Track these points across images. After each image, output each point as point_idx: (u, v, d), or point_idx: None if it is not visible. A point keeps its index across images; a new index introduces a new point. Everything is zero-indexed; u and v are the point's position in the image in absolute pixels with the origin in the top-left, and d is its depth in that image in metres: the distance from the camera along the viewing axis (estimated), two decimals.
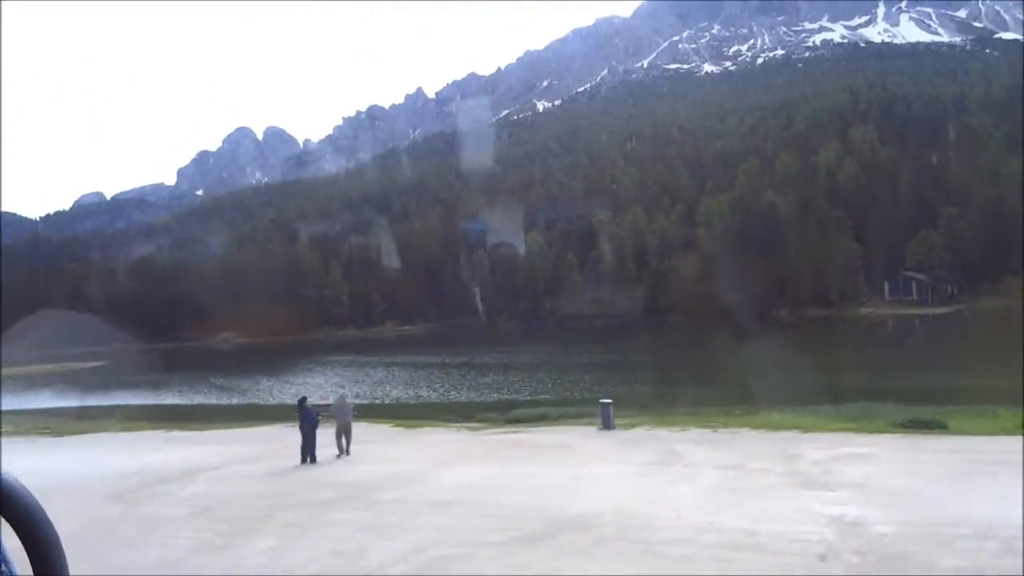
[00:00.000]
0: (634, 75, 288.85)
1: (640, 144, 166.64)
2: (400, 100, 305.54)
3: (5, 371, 71.86)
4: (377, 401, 30.88)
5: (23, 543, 0.55)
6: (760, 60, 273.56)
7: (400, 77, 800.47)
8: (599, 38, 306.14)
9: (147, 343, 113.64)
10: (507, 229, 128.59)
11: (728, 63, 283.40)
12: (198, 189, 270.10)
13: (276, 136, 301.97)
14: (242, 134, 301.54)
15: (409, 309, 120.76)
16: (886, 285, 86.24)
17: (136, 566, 7.56)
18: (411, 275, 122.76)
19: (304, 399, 14.38)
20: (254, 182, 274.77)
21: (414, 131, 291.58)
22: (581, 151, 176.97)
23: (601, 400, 15.98)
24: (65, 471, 13.59)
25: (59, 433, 21.61)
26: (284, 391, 38.81)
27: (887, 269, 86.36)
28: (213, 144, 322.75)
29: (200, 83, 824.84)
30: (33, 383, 54.33)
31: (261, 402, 34.54)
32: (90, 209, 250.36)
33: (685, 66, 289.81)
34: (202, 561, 7.68)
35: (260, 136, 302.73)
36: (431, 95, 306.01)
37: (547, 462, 12.22)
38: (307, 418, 13.61)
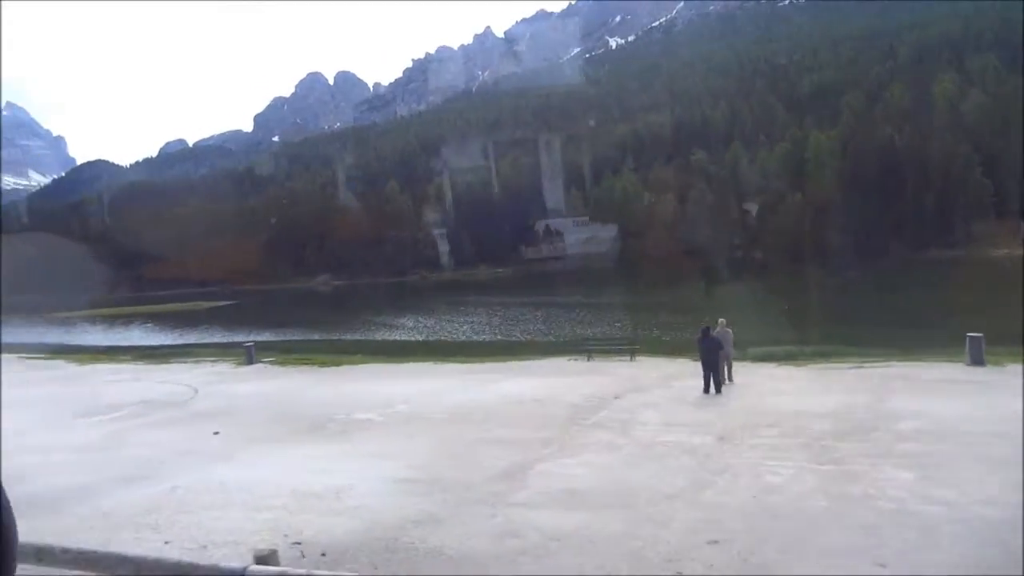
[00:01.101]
0: (711, 7, 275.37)
1: (727, 79, 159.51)
2: (469, 40, 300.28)
3: (147, 308, 75.24)
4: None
5: None
6: None
7: (468, 17, 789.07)
8: None
9: (250, 285, 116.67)
10: (592, 169, 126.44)
11: None
12: (274, 135, 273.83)
13: (347, 80, 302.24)
14: (314, 79, 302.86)
15: (498, 251, 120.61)
16: (1022, 225, 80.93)
17: (757, 491, 7.13)
18: (498, 216, 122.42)
19: (708, 328, 13.89)
20: (327, 127, 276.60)
21: (483, 72, 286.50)
22: (661, 89, 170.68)
23: (969, 334, 14.95)
24: (457, 400, 13.51)
25: (322, 364, 21.96)
26: (457, 329, 38.94)
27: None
28: (287, 90, 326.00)
29: (272, 29, 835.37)
30: (186, 320, 56.24)
31: (448, 339, 34.65)
32: (175, 156, 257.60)
33: None
34: (837, 488, 7.21)
35: (331, 81, 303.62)
36: (500, 35, 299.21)
37: (994, 396, 11.39)
38: (712, 346, 13.16)
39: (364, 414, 12.48)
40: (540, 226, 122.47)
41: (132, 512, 7.10)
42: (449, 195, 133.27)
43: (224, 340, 38.41)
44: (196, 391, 16.39)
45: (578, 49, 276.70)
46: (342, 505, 7.24)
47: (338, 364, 21.92)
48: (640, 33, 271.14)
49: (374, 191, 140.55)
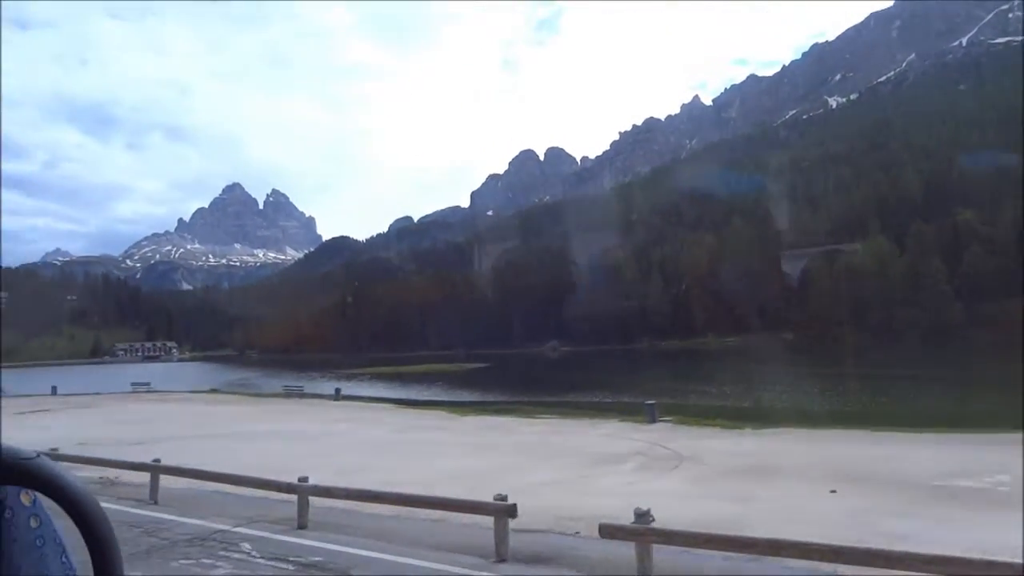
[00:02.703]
0: (949, 56, 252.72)
1: (982, 131, 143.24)
2: (676, 111, 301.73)
3: (413, 368, 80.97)
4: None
5: (86, 541, 0.55)
6: None
7: (675, 88, 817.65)
8: (901, 21, 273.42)
9: (484, 349, 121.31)
10: (829, 235, 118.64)
11: None
12: (489, 210, 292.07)
13: (556, 156, 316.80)
14: (526, 156, 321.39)
15: (729, 319, 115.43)
16: None
17: None
18: (727, 285, 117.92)
19: None
20: (536, 200, 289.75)
21: (691, 141, 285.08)
22: (899, 146, 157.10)
23: None
24: None
25: (723, 426, 21.06)
26: (779, 398, 36.59)
27: None
28: (500, 167, 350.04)
29: (488, 111, 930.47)
30: (462, 380, 59.17)
31: (772, 405, 32.39)
32: (402, 232, 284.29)
33: (1018, 39, 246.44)
34: None
35: (542, 157, 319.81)
36: (708, 103, 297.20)
37: None
38: None
39: (961, 482, 11.10)
40: (772, 297, 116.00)
41: None
42: (668, 263, 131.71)
43: (534, 399, 39.33)
44: (662, 447, 16.12)
45: (793, 111, 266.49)
46: None
47: (740, 428, 20.89)
48: (864, 90, 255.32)
49: (599, 260, 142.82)
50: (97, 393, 37.86)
